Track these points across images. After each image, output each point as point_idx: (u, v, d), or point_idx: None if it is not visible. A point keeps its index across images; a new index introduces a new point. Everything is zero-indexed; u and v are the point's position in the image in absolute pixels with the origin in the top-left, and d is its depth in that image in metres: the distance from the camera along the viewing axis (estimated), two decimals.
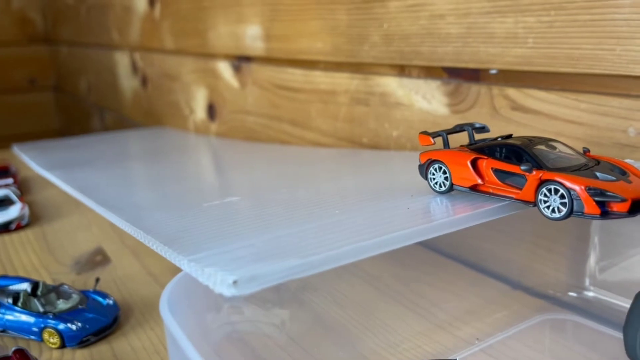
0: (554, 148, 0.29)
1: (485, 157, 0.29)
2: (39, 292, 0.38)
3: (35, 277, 0.44)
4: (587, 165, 0.28)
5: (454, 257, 0.44)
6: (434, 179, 0.31)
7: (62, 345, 0.35)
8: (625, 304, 0.34)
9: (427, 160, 0.31)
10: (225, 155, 0.69)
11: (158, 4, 0.89)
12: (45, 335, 0.36)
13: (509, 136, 0.31)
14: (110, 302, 0.38)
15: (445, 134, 0.33)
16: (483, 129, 0.33)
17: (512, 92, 0.40)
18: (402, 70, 0.49)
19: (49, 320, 0.36)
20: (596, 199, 0.25)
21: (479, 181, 0.29)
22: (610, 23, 0.34)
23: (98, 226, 0.57)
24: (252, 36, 0.66)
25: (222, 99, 0.77)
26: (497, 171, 0.29)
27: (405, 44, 0.47)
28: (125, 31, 1.06)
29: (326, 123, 0.58)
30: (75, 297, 0.38)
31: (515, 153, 0.28)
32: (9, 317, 0.37)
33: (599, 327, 0.34)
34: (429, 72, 0.46)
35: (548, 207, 0.26)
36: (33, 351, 0.35)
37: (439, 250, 0.45)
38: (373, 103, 0.52)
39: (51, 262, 0.49)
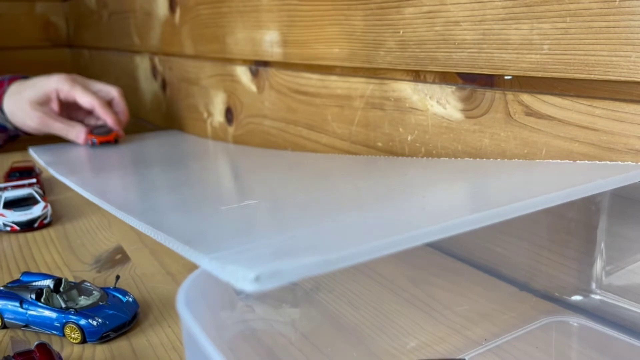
0: None
1: None
2: (61, 289, 0.39)
3: (57, 274, 0.45)
4: None
5: (465, 260, 0.44)
6: None
7: (83, 341, 0.36)
8: (631, 307, 0.34)
9: None
10: (242, 161, 0.70)
11: (178, 10, 0.91)
12: (67, 331, 0.37)
13: None
14: (130, 299, 0.39)
15: None
16: None
17: (526, 97, 0.40)
18: (417, 75, 0.49)
19: (71, 316, 0.37)
20: None
21: None
22: (626, 30, 0.34)
23: (118, 226, 0.58)
24: (270, 41, 0.67)
25: (240, 103, 0.78)
26: None
27: (420, 50, 0.47)
28: (146, 36, 1.08)
29: (341, 127, 0.59)
30: (96, 294, 0.39)
31: None
32: (31, 312, 0.38)
33: (605, 329, 0.34)
34: (444, 77, 0.47)
35: None
36: (55, 346, 0.36)
37: (451, 254, 0.45)
38: (388, 108, 0.52)
39: (72, 260, 0.51)
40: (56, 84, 0.83)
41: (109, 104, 0.86)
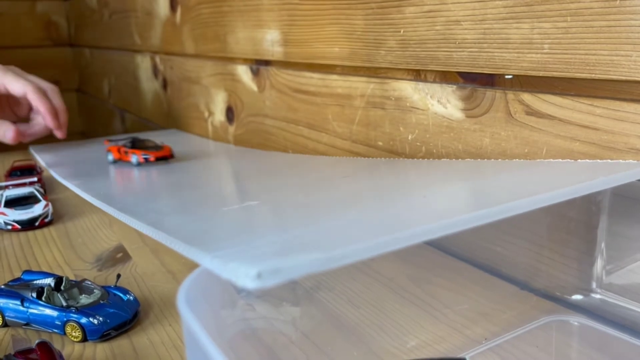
0: None
1: None
2: (62, 287, 0.39)
3: (58, 273, 0.45)
4: None
5: (466, 259, 0.44)
6: None
7: (84, 339, 0.37)
8: (632, 306, 0.34)
9: None
10: (242, 163, 0.70)
11: (179, 9, 0.91)
12: (68, 329, 0.37)
13: None
14: (131, 297, 0.40)
15: None
16: None
17: (527, 97, 0.40)
18: (417, 74, 0.49)
19: (72, 315, 0.37)
20: None
21: None
22: (627, 29, 0.34)
23: (118, 225, 0.58)
24: (271, 41, 0.67)
25: (241, 102, 0.78)
26: None
27: (421, 49, 0.47)
28: (147, 35, 1.08)
29: (342, 126, 0.59)
30: (97, 293, 0.39)
31: None
32: (33, 310, 0.38)
33: (605, 328, 0.34)
34: (445, 76, 0.47)
35: None
36: (56, 344, 0.36)
37: (451, 253, 0.45)
38: (389, 107, 0.52)
39: (73, 259, 0.51)
40: None
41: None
